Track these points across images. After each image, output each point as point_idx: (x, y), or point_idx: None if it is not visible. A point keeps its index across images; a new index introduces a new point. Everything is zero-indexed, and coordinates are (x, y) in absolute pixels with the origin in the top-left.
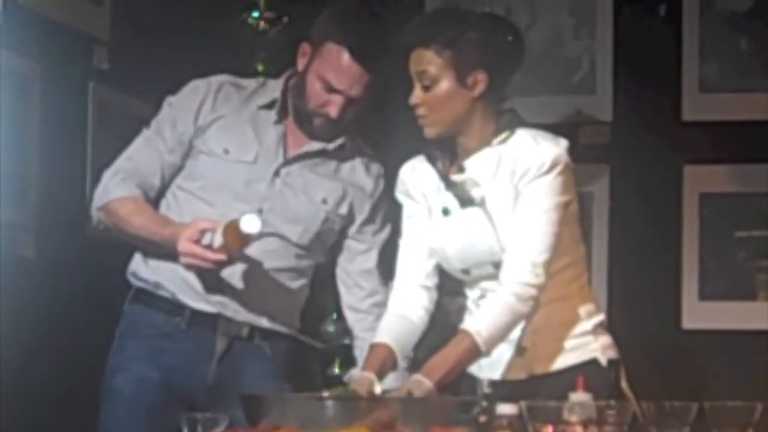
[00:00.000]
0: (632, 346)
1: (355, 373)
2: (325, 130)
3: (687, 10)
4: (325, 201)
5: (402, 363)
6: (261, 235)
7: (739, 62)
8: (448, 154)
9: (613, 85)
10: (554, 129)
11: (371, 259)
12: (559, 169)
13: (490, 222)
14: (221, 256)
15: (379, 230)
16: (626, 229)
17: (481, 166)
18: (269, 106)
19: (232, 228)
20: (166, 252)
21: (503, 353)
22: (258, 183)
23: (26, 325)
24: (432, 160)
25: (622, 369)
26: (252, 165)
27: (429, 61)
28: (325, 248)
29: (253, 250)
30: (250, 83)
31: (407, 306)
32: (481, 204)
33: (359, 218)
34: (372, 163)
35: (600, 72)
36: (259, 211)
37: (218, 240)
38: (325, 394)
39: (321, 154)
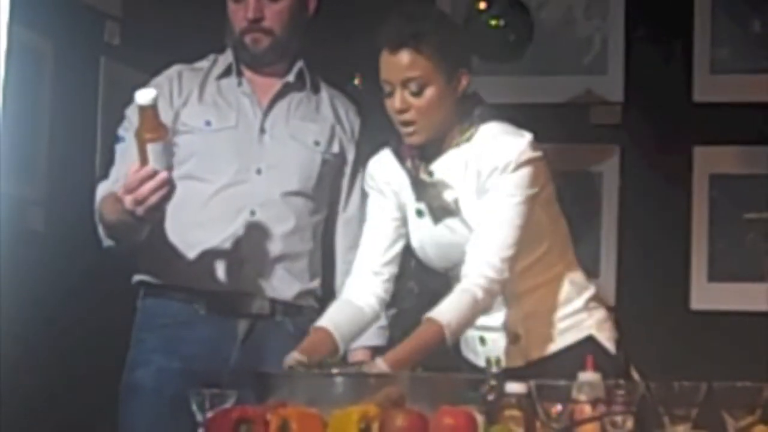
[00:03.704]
0: (641, 326)
1: (292, 354)
2: (263, 48)
3: None
4: (317, 143)
5: (343, 348)
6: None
7: (751, 44)
8: (416, 151)
9: (625, 66)
10: (565, 109)
11: (353, 205)
12: (524, 164)
13: (465, 226)
14: (150, 168)
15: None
16: (636, 209)
17: (450, 169)
18: (226, 73)
19: (137, 128)
20: (138, 231)
21: (498, 342)
22: (248, 145)
23: (35, 299)
24: (401, 159)
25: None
26: (235, 129)
27: (416, 65)
28: (326, 196)
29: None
30: (204, 63)
31: (358, 293)
32: (456, 211)
33: (350, 158)
34: (342, 97)
35: (611, 52)
36: (258, 171)
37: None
38: (335, 370)
39: (289, 89)
